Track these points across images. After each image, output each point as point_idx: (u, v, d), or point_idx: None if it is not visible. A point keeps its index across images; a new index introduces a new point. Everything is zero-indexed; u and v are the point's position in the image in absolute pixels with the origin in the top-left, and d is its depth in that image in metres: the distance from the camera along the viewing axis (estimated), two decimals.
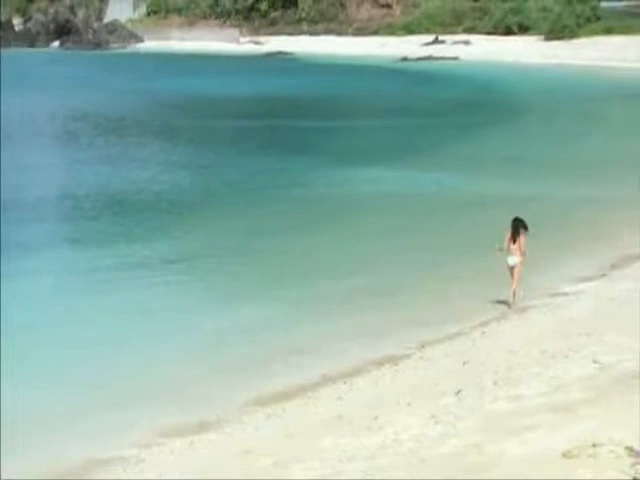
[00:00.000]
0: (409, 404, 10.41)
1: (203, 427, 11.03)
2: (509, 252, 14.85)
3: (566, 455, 7.02)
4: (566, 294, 15.25)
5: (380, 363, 12.70)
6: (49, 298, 16.58)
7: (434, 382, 11.26)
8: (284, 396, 11.76)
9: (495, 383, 10.47)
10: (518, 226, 14.89)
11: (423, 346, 13.29)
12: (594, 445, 7.03)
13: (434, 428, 9.19)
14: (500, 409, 9.39)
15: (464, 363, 11.93)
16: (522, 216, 15.00)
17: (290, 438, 10.15)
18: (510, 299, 14.98)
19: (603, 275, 16.14)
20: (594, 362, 10.44)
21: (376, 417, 10.05)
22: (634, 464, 6.49)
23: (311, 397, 11.67)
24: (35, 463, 10.34)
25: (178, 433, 10.87)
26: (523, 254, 14.84)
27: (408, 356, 12.90)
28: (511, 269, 14.88)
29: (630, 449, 6.77)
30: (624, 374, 9.68)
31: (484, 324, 14.02)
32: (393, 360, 12.76)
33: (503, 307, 14.88)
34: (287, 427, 10.61)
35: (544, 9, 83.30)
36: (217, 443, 10.48)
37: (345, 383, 11.98)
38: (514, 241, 14.83)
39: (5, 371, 12.31)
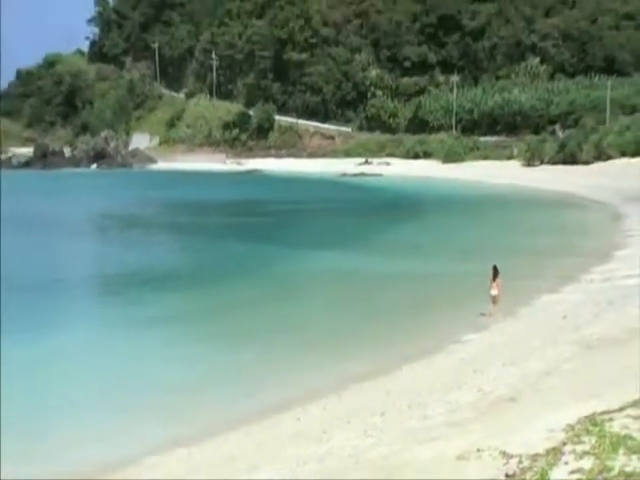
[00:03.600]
0: (348, 422, 10.42)
1: (198, 440, 10.86)
2: (491, 287, 17.34)
3: (459, 458, 7.09)
4: (460, 342, 15.35)
5: (327, 392, 12.61)
6: (74, 340, 16.39)
7: (365, 406, 11.25)
8: (257, 417, 11.63)
9: (409, 407, 10.52)
10: (495, 271, 17.35)
11: (357, 381, 13.27)
12: (478, 450, 7.11)
13: (366, 440, 9.21)
14: (412, 425, 9.44)
15: (387, 392, 11.96)
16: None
17: (261, 448, 10.07)
18: (493, 316, 17.05)
19: (485, 328, 16.30)
20: (478, 390, 10.57)
21: (324, 432, 10.03)
22: (506, 464, 6.59)
23: (276, 418, 11.56)
24: (68, 464, 10.17)
25: (179, 445, 10.71)
26: (499, 288, 17.28)
27: (346, 388, 12.85)
28: (493, 298, 17.29)
29: (503, 453, 6.87)
30: (499, 398, 9.82)
31: (401, 364, 13.98)
32: (336, 391, 12.69)
33: (413, 352, 14.85)
34: (259, 440, 10.53)
35: (441, 141, 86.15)
36: (208, 452, 10.34)
37: (301, 408, 11.90)
38: (494, 280, 17.31)
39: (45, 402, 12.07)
